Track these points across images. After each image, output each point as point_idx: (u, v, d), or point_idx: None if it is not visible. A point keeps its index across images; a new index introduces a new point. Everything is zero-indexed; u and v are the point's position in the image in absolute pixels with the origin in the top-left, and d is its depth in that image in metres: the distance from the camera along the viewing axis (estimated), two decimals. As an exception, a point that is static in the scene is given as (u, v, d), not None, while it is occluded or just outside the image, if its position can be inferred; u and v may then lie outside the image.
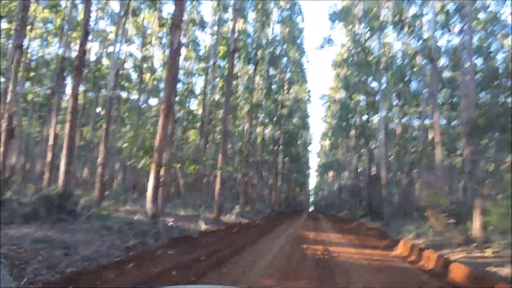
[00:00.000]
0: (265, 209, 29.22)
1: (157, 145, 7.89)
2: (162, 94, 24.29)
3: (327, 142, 73.11)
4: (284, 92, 36.44)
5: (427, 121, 24.04)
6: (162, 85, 31.76)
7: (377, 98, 26.32)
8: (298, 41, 34.34)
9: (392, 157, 33.31)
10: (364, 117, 28.28)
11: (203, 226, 9.94)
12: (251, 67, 29.43)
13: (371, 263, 7.96)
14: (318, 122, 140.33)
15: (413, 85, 26.75)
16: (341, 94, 38.89)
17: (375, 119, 31.29)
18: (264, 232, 12.45)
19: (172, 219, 10.56)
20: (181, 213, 13.78)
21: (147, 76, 29.73)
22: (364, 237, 15.65)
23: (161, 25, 26.54)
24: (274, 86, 34.01)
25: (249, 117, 18.12)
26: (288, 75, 36.81)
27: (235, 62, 20.28)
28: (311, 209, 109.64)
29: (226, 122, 13.57)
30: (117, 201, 14.82)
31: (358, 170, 36.46)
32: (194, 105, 36.85)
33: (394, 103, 29.43)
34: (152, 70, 30.35)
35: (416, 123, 32.55)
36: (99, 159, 14.15)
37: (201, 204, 18.76)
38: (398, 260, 8.67)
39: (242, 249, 7.70)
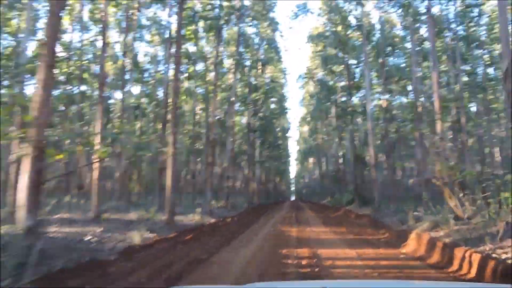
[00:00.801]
0: (243, 203, 26.48)
1: (36, 113, 4.91)
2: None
3: (306, 129, 70.98)
4: (258, 72, 33.59)
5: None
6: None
7: (360, 69, 23.92)
8: (271, 15, 31.41)
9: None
10: (346, 97, 25.75)
11: (137, 238, 7.02)
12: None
13: (384, 274, 5.26)
14: (296, 108, 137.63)
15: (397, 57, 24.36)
16: (320, 74, 36.35)
17: (356, 99, 28.95)
18: (233, 235, 9.66)
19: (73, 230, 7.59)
20: (125, 217, 10.83)
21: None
22: (356, 229, 13.12)
23: None
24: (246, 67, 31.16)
25: (214, 99, 15.22)
26: (262, 55, 33.90)
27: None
28: (293, 198, 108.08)
29: (176, 89, 10.55)
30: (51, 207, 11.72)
31: (340, 154, 34.14)
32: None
33: (377, 81, 27.15)
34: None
35: (398, 101, 30.44)
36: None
37: (160, 203, 15.82)
38: (420, 265, 6.04)
39: (180, 278, 4.73)
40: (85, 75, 28.02)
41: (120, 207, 14.35)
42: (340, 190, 32.38)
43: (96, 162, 9.79)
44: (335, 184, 34.29)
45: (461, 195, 7.67)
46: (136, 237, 6.94)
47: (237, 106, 37.88)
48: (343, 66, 25.02)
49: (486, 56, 27.34)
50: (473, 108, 28.78)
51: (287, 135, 71.02)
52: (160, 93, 29.39)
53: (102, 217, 10.04)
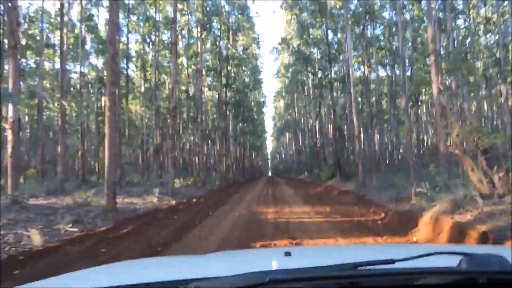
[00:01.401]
0: (216, 180, 24.44)
1: None
2: None
3: (281, 104, 68.96)
4: (229, 42, 30.95)
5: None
6: None
7: (338, 36, 21.82)
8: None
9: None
10: (324, 66, 23.66)
11: (37, 238, 4.77)
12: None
13: None
14: (271, 82, 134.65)
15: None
16: (296, 44, 34.08)
17: (334, 69, 26.96)
18: (193, 222, 7.60)
19: None
20: (59, 202, 8.55)
21: None
22: (342, 207, 11.35)
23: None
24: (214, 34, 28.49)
25: (172, 61, 12.79)
26: (232, 23, 31.18)
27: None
28: (269, 174, 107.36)
29: (113, 42, 8.14)
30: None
31: (317, 127, 32.39)
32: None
33: (355, 53, 25.20)
34: None
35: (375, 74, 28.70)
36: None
37: (122, 183, 13.56)
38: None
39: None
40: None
41: (59, 190, 11.97)
42: (319, 165, 30.84)
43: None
44: (312, 159, 32.70)
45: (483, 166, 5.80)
46: (36, 237, 4.71)
47: (209, 80, 35.53)
48: (319, 33, 22.81)
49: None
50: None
51: (262, 109, 69.14)
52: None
53: (22, 203, 7.73)
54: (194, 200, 12.08)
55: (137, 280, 1.13)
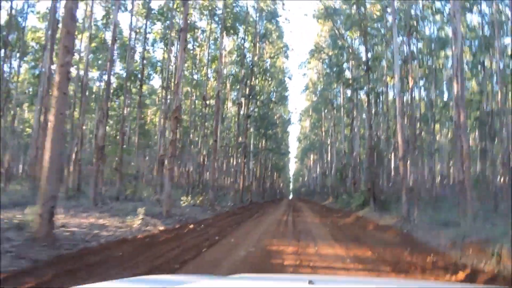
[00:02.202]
0: (229, 200, 21.53)
1: None
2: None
3: (307, 123, 65.98)
4: (255, 47, 28.54)
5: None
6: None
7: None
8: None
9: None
10: (360, 74, 20.68)
11: None
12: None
13: None
14: (297, 101, 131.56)
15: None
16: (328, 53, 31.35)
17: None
18: (169, 265, 4.67)
19: None
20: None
21: None
22: (388, 252, 8.16)
23: None
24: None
25: (181, 49, 10.25)
26: (260, 29, 28.82)
27: None
28: (290, 197, 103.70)
29: None
30: None
31: (347, 147, 29.07)
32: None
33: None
34: None
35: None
36: None
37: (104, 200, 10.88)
38: None
39: None
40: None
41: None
42: (347, 191, 27.46)
43: None
44: (340, 183, 29.33)
45: None
46: None
47: (233, 95, 33.08)
48: (357, 34, 19.93)
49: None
50: None
51: (287, 129, 66.31)
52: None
53: None
54: (191, 226, 9.19)
55: None
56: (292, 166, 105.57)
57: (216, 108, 16.16)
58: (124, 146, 18.74)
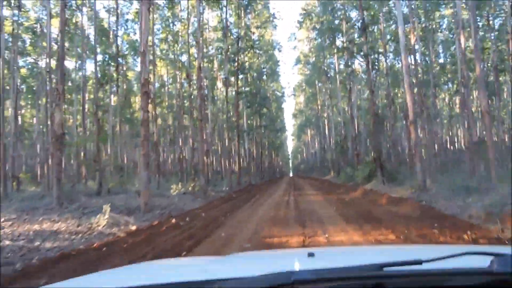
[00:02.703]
0: (224, 185, 19.98)
1: None
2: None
3: (302, 99, 64.07)
4: (241, 22, 26.45)
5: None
6: None
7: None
8: None
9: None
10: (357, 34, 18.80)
11: None
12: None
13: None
14: (290, 77, 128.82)
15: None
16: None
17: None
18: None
19: None
20: None
21: None
22: (414, 232, 6.65)
23: None
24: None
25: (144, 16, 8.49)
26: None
27: None
28: (291, 174, 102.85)
29: None
30: None
31: (349, 115, 27.29)
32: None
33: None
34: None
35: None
36: None
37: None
38: None
39: None
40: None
41: None
42: (349, 163, 25.98)
43: None
44: (341, 156, 27.81)
45: None
46: None
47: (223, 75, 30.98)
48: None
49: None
50: None
51: (281, 106, 64.55)
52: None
53: None
54: (174, 221, 7.60)
55: (162, 280, 1.13)
56: (290, 144, 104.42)
57: (198, 84, 14.38)
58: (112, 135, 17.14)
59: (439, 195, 11.01)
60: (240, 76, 26.99)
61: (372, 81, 16.82)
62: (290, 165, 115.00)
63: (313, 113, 53.94)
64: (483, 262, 0.86)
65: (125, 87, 27.41)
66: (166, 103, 32.88)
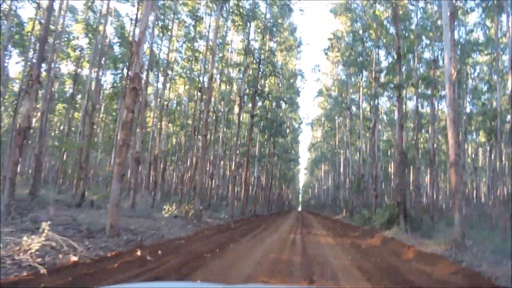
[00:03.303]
0: (227, 212, 17.99)
1: None
2: None
3: (319, 133, 62.30)
4: (265, 45, 25.24)
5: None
6: None
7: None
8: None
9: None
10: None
11: None
12: None
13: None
14: (309, 112, 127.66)
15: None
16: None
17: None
18: None
19: None
20: None
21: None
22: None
23: None
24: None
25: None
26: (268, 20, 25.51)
27: None
28: (299, 208, 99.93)
29: None
30: None
31: (364, 156, 25.34)
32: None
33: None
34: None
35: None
36: None
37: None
38: None
39: None
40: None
41: None
42: (365, 205, 23.72)
43: None
44: (357, 195, 25.60)
45: None
46: None
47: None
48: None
49: None
50: None
51: (298, 139, 62.93)
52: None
53: None
54: (138, 253, 5.70)
55: None
56: (302, 178, 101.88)
57: (208, 96, 12.79)
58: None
59: (481, 255, 8.87)
60: (259, 103, 25.62)
61: (402, 116, 14.95)
62: (300, 199, 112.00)
63: (330, 148, 51.99)
64: None
65: (141, 99, 26.18)
66: (179, 121, 31.54)
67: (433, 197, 21.60)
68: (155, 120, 23.82)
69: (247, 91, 22.54)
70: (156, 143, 18.39)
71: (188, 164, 33.52)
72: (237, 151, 19.11)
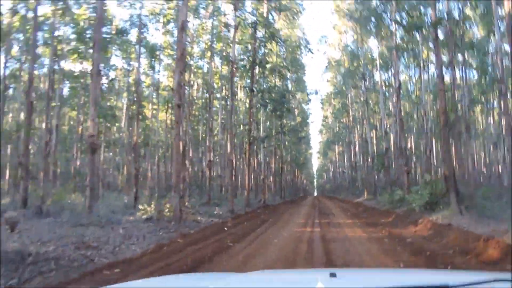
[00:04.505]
0: (232, 206, 14.69)
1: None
2: None
3: (329, 114, 58.50)
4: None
5: None
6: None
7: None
8: None
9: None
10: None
11: None
12: None
13: None
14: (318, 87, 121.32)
15: None
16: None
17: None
18: None
19: None
20: None
21: None
22: None
23: None
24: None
25: None
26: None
27: None
28: (315, 193, 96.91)
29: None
30: None
31: (397, 116, 21.50)
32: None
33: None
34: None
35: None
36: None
37: None
38: None
39: None
40: None
41: None
42: (391, 183, 20.22)
43: None
44: (382, 171, 22.07)
45: None
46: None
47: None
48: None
49: None
50: None
51: (307, 120, 59.15)
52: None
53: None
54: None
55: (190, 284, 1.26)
56: (315, 162, 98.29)
57: (179, 50, 9.35)
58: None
59: None
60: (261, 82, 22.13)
61: (441, 65, 11.30)
62: (315, 183, 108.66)
63: (343, 126, 48.34)
64: None
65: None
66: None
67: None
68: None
69: (244, 62, 19.09)
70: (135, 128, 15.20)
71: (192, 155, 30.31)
72: (233, 131, 15.72)
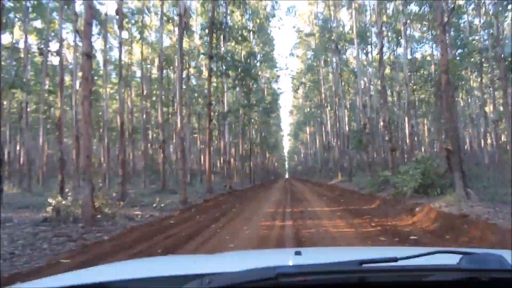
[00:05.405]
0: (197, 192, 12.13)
1: None
2: None
3: (300, 95, 56.28)
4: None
5: None
6: None
7: None
8: None
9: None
10: None
11: None
12: None
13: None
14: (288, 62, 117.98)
15: None
16: None
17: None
18: None
19: None
20: None
21: None
22: None
23: None
24: None
25: None
26: None
27: None
28: (286, 176, 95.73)
29: None
30: None
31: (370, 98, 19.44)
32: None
33: None
34: None
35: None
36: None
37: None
38: None
39: None
40: None
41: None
42: (370, 163, 18.12)
43: None
44: (360, 150, 19.98)
45: None
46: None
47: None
48: None
49: None
50: None
51: (277, 101, 56.58)
52: None
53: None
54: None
55: (153, 274, 1.13)
56: (286, 144, 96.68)
57: None
58: None
59: None
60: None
61: (443, 14, 8.97)
62: (286, 166, 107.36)
63: (314, 105, 46.29)
64: (453, 260, 0.92)
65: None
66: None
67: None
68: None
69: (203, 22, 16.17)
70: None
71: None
72: (182, 102, 12.95)
